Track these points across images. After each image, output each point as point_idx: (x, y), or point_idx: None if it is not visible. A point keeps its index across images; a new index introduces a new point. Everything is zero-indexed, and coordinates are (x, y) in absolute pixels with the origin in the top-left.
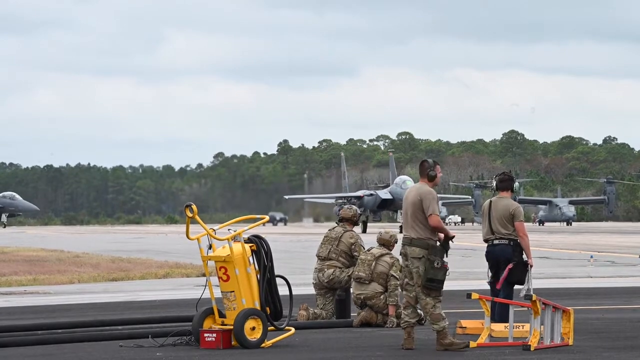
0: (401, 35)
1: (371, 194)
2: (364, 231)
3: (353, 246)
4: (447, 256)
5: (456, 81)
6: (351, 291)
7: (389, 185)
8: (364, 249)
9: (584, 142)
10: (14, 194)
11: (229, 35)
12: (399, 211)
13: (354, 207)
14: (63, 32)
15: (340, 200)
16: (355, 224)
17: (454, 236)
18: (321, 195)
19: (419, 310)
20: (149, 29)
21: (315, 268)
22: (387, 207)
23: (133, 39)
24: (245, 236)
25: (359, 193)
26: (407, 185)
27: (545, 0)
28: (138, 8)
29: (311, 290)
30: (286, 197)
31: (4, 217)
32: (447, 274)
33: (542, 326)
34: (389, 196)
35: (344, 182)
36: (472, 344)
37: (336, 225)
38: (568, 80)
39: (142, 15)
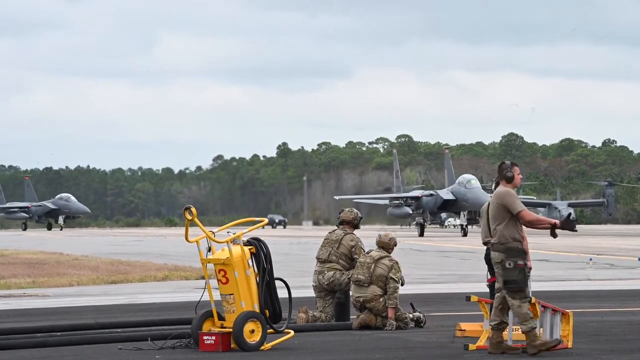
0: (399, 37)
1: (431, 194)
2: (421, 234)
3: (353, 249)
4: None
5: (455, 84)
6: (350, 294)
7: (390, 189)
8: (364, 251)
9: (583, 145)
10: (69, 195)
11: (228, 37)
12: (461, 213)
13: (355, 209)
14: (62, 34)
15: (396, 202)
16: (356, 227)
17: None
18: (374, 196)
19: (414, 314)
20: (148, 31)
21: (315, 270)
22: (449, 209)
23: (132, 41)
24: (245, 239)
25: (417, 193)
26: (472, 184)
27: (545, 2)
28: (137, 9)
29: (310, 293)
30: (336, 197)
31: (60, 220)
32: (528, 273)
33: (541, 329)
34: (451, 197)
35: (396, 181)
36: (471, 347)
37: (337, 227)
38: (568, 83)
39: (141, 17)
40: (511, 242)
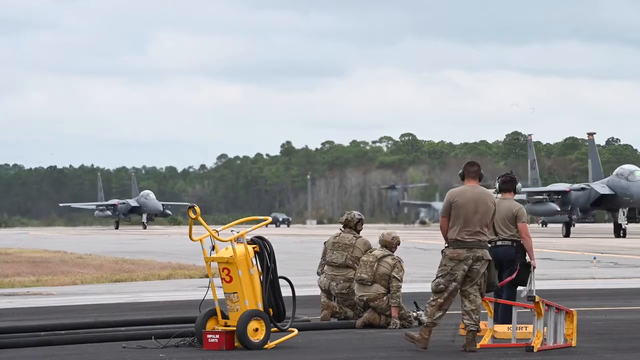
0: (395, 36)
1: (582, 188)
2: (567, 235)
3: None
4: None
5: (458, 83)
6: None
7: (394, 187)
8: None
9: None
10: (149, 192)
11: (231, 37)
12: (620, 210)
13: (355, 213)
14: (63, 35)
15: (539, 196)
16: (357, 231)
17: None
18: None
19: (417, 312)
20: (150, 30)
21: (327, 274)
22: (604, 205)
23: (134, 40)
24: (248, 237)
25: (563, 187)
26: (636, 176)
27: (551, 2)
28: (138, 10)
29: (314, 292)
30: None
31: (144, 217)
32: None
33: (545, 327)
34: (608, 191)
35: (532, 172)
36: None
37: (341, 231)
38: (569, 82)
39: (143, 17)
40: None
